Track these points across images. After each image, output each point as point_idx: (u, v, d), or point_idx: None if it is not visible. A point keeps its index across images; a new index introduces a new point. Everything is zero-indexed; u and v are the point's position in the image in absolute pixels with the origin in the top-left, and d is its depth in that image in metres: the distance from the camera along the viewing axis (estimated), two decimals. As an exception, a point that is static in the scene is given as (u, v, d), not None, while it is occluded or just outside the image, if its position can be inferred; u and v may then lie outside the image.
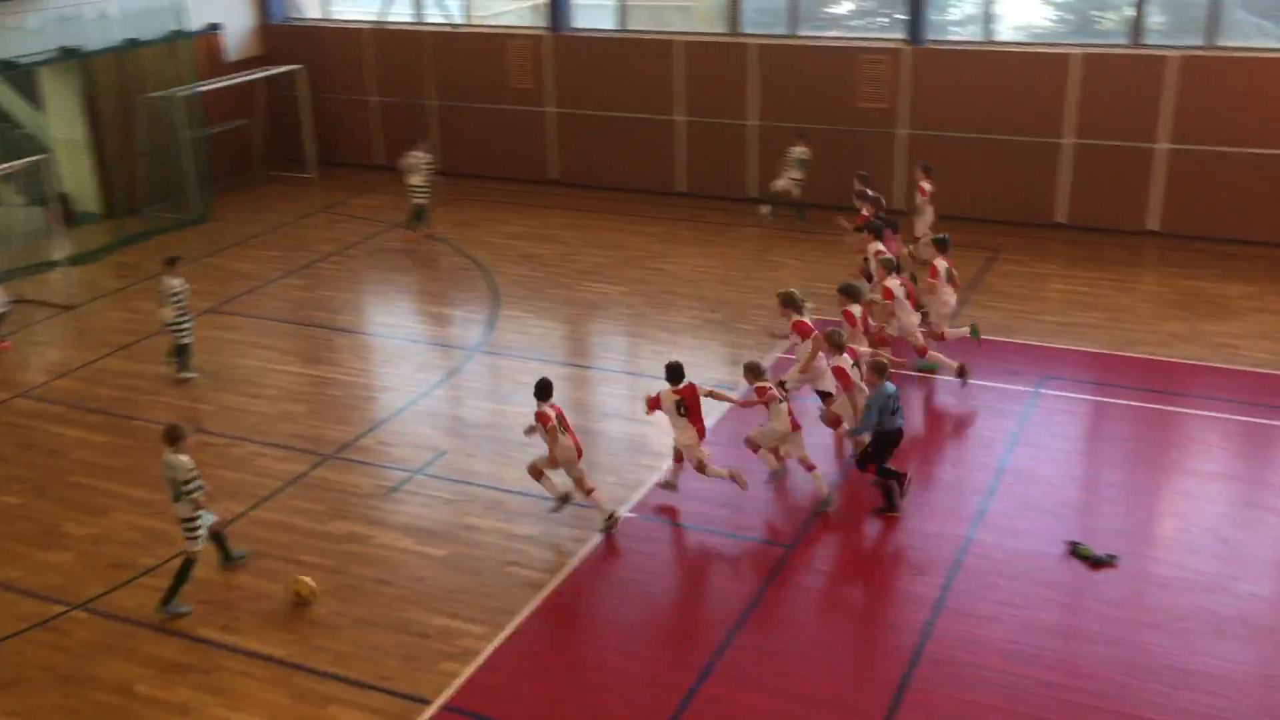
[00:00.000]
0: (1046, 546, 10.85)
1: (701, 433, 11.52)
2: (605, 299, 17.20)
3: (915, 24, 19.57)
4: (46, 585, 10.71)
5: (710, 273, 18.08)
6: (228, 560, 10.95)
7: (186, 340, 14.77)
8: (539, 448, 11.51)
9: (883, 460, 11.42)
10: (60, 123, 21.19)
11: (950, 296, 14.37)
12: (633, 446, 13.01)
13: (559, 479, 11.50)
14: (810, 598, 10.46)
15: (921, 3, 19.44)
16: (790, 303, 12.76)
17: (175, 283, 14.47)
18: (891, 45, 19.80)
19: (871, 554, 11.16)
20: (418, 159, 19.05)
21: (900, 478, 11.49)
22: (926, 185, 17.06)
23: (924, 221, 17.08)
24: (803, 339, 12.62)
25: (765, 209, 20.56)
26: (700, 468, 11.59)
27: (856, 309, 13.22)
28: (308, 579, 10.45)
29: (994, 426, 13.18)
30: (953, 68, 19.46)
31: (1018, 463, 12.32)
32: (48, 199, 18.66)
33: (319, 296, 17.63)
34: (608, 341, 15.86)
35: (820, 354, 12.38)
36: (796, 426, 11.62)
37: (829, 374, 12.32)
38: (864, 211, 16.14)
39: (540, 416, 11.07)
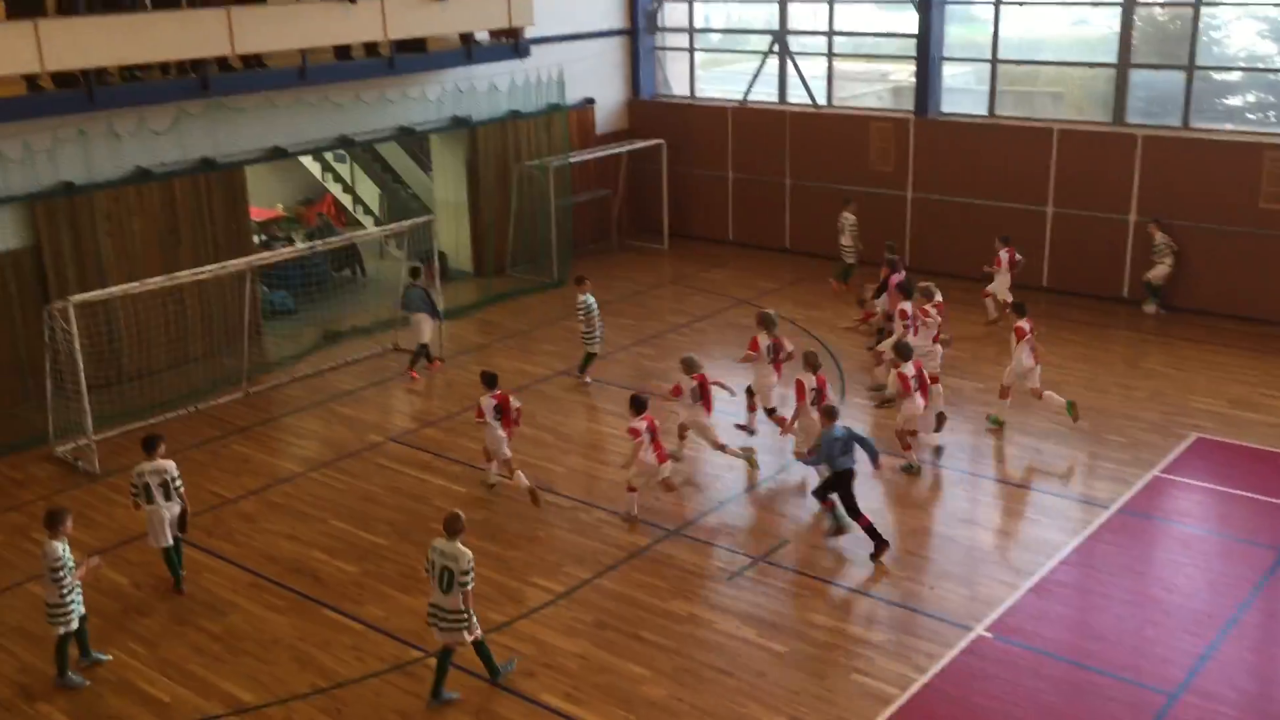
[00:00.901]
0: None
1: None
2: (959, 395, 16.38)
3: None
4: (405, 629, 11.14)
5: (1075, 375, 16.89)
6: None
7: (593, 349, 16.84)
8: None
9: (828, 491, 12.52)
10: (444, 186, 22.77)
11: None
12: (987, 557, 12.18)
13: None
14: (1197, 759, 9.27)
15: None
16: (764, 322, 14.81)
17: (587, 299, 16.69)
18: (1301, 141, 18.04)
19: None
20: (846, 220, 20.72)
21: (876, 536, 12.17)
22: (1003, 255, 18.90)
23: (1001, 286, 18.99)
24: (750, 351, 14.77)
25: (1150, 306, 19.22)
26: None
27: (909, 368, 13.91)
28: None
29: None
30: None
31: None
32: (427, 256, 20.01)
33: (667, 368, 17.80)
34: (965, 442, 15.04)
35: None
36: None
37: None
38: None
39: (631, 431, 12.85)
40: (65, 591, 10.14)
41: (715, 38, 26.16)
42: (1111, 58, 20.01)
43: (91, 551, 11.95)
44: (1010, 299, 17.97)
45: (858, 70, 24.57)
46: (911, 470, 14.12)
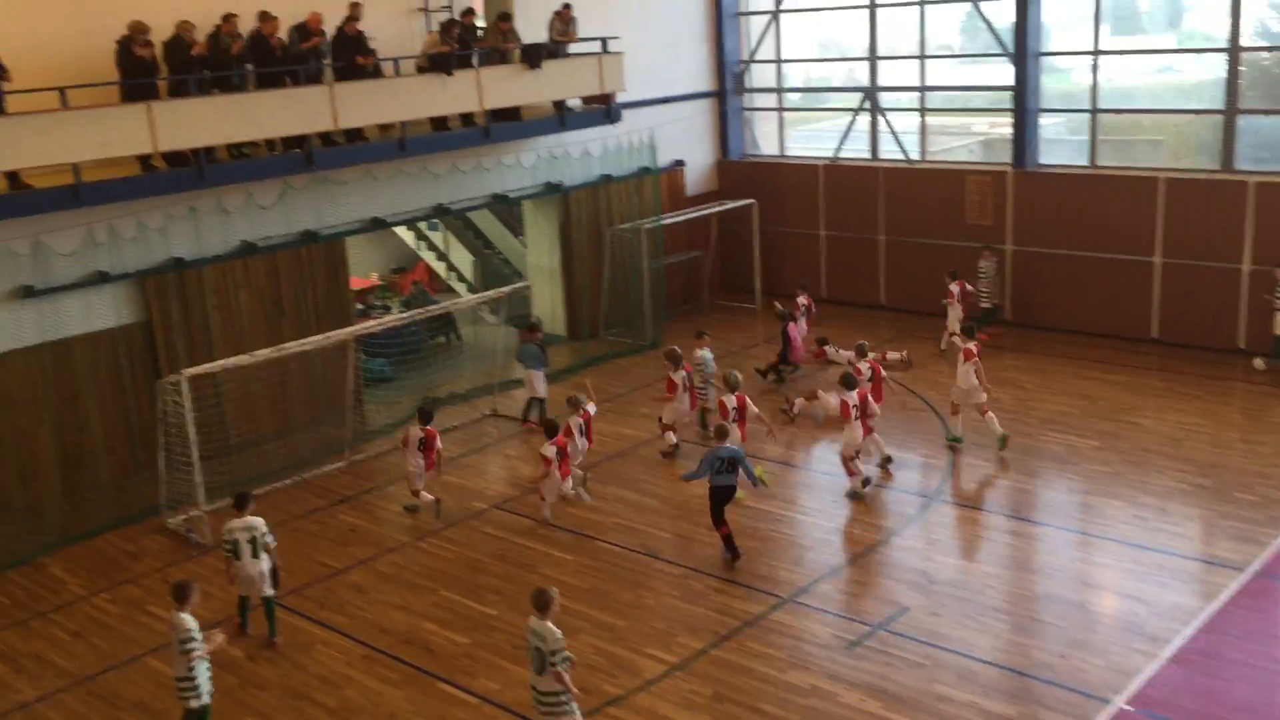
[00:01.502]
0: None
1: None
2: (1074, 453, 15.89)
3: None
4: (520, 701, 10.91)
5: (1196, 431, 16.29)
6: None
7: (707, 405, 17.12)
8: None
9: (715, 511, 13.26)
10: (537, 251, 22.91)
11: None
12: (1124, 625, 11.64)
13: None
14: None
15: None
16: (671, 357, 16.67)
17: (705, 354, 17.19)
18: None
19: None
20: (985, 266, 20.81)
21: (732, 547, 13.27)
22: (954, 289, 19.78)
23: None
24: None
25: (1259, 362, 18.50)
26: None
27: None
28: None
29: None
30: None
31: None
32: (524, 321, 20.07)
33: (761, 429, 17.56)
34: (1083, 501, 14.53)
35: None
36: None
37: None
38: None
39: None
40: (194, 665, 10.13)
41: (800, 96, 26.11)
42: (1204, 103, 19.60)
43: (207, 624, 11.95)
44: (958, 329, 19.28)
45: (947, 124, 24.36)
46: (857, 496, 14.82)
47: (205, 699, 10.20)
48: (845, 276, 23.75)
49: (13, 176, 14.30)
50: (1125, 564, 13.00)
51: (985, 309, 21.06)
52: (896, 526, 14.14)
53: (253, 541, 11.95)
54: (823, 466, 16.22)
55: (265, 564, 12.05)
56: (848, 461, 14.92)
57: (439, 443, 15.22)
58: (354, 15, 17.28)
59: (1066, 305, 20.92)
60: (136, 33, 15.03)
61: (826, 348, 19.97)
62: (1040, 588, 12.56)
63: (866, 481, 14.95)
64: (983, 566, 13.02)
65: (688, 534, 14.28)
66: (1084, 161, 20.99)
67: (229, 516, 12.33)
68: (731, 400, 15.30)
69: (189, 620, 10.10)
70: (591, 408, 15.59)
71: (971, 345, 16.08)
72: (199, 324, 17.07)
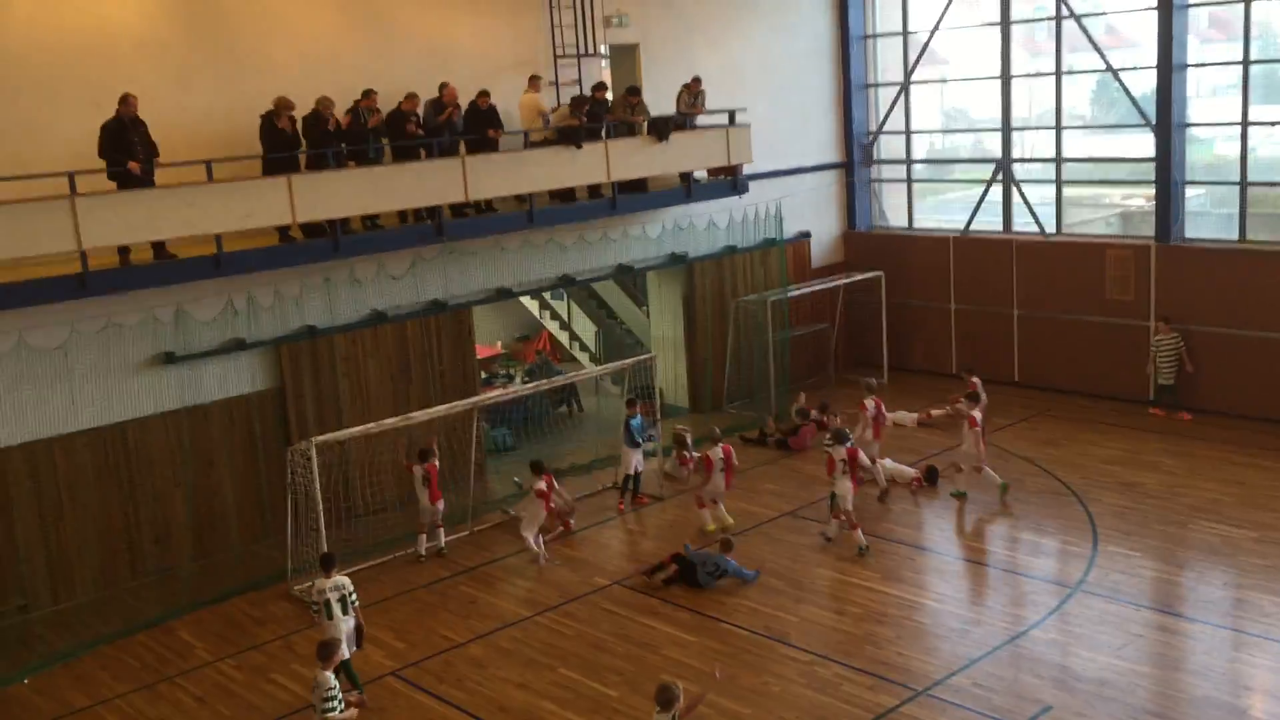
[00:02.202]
0: None
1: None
2: (1229, 543, 14.96)
3: None
4: (642, 791, 10.58)
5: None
6: None
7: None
8: None
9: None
10: (660, 321, 22.81)
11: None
12: (1292, 736, 10.78)
13: None
14: None
15: None
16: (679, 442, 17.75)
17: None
18: None
19: None
20: (1162, 340, 19.93)
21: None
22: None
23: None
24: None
25: None
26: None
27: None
28: None
29: None
30: None
31: None
32: (646, 393, 19.91)
33: (899, 511, 17.00)
34: (1242, 598, 13.60)
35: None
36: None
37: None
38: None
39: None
40: None
41: (929, 168, 25.70)
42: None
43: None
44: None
45: (1081, 195, 23.64)
46: (861, 552, 15.32)
47: None
48: (977, 352, 23.04)
49: (159, 246, 14.77)
50: (1285, 665, 12.10)
51: (1162, 385, 20.11)
52: (1035, 617, 13.43)
53: (342, 600, 12.25)
54: (955, 550, 15.58)
55: (352, 622, 12.32)
56: (846, 514, 15.54)
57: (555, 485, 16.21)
58: (485, 92, 17.59)
59: (1213, 385, 19.90)
60: (281, 108, 15.48)
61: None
62: (1195, 690, 11.73)
63: (839, 530, 15.73)
64: (1130, 664, 12.22)
65: (814, 618, 13.78)
66: (1231, 235, 20.10)
67: (356, 584, 12.42)
68: (841, 452, 15.65)
69: (330, 679, 10.44)
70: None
71: (975, 413, 16.77)
72: (329, 391, 17.32)
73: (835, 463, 15.56)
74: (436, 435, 16.88)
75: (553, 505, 16.28)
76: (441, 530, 16.40)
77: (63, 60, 14.94)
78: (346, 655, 12.03)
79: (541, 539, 16.08)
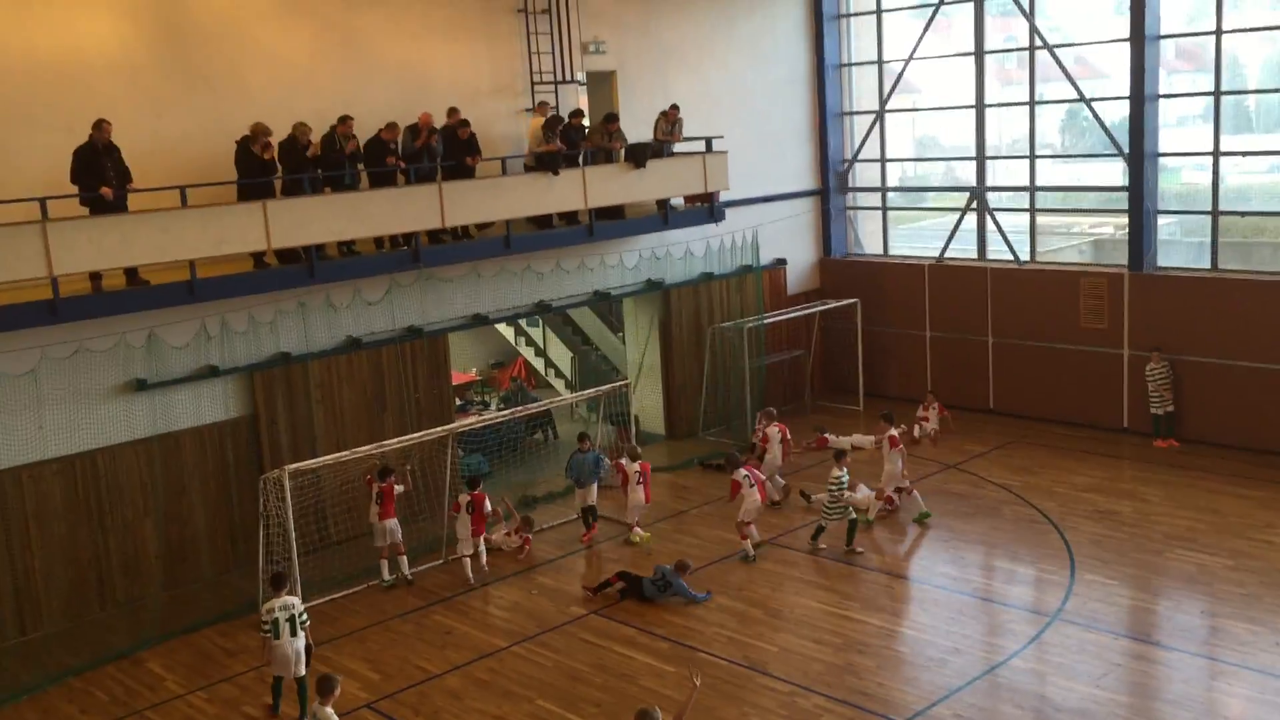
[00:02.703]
0: None
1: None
2: (1205, 572, 15.00)
3: None
4: (621, 826, 10.45)
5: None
6: None
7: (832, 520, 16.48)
8: None
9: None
10: (636, 348, 22.76)
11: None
12: (1272, 767, 10.77)
13: None
14: None
15: None
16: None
17: (840, 474, 16.26)
18: None
19: None
20: (1155, 370, 19.92)
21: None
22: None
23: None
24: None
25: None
26: None
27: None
28: None
29: None
30: None
31: None
32: (620, 420, 19.82)
33: (876, 537, 16.96)
34: (1219, 627, 13.63)
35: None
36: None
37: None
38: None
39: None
40: None
41: (903, 196, 25.83)
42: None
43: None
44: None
45: (1054, 224, 23.81)
46: (748, 559, 16.08)
47: None
48: (951, 379, 23.12)
49: (131, 272, 14.60)
50: (1267, 695, 12.09)
51: (1157, 415, 20.08)
52: (1014, 646, 13.40)
53: (291, 620, 12.25)
54: (934, 579, 15.55)
55: (301, 642, 12.31)
56: (742, 526, 16.25)
57: (488, 506, 16.10)
58: (465, 121, 17.54)
59: (1188, 413, 20.03)
60: (258, 134, 15.37)
61: (827, 435, 20.46)
62: (1173, 719, 11.72)
63: (757, 546, 16.38)
64: (1109, 694, 12.21)
65: (793, 647, 13.70)
66: (1202, 264, 20.29)
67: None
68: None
69: (332, 715, 10.40)
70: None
71: (894, 432, 17.38)
72: (303, 419, 17.15)
73: (737, 486, 16.35)
74: (411, 461, 16.74)
75: (485, 514, 16.21)
76: (404, 558, 16.19)
77: (35, 84, 14.80)
78: (303, 673, 12.14)
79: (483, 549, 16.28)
